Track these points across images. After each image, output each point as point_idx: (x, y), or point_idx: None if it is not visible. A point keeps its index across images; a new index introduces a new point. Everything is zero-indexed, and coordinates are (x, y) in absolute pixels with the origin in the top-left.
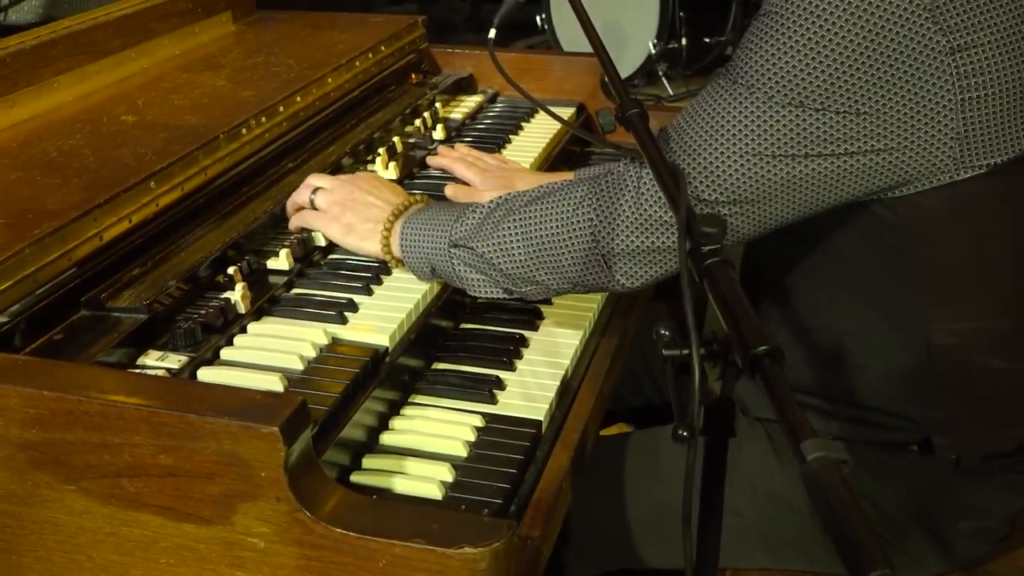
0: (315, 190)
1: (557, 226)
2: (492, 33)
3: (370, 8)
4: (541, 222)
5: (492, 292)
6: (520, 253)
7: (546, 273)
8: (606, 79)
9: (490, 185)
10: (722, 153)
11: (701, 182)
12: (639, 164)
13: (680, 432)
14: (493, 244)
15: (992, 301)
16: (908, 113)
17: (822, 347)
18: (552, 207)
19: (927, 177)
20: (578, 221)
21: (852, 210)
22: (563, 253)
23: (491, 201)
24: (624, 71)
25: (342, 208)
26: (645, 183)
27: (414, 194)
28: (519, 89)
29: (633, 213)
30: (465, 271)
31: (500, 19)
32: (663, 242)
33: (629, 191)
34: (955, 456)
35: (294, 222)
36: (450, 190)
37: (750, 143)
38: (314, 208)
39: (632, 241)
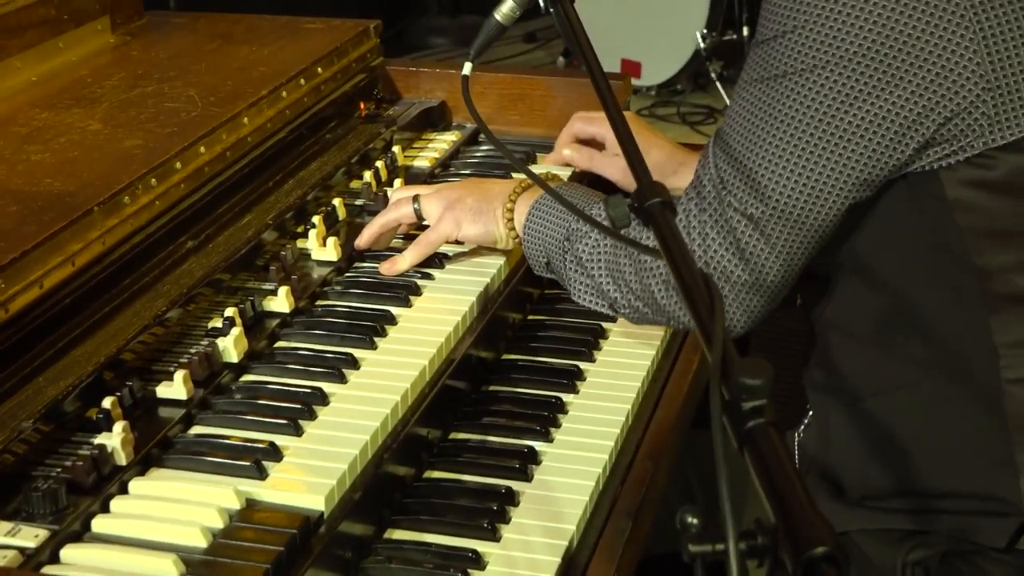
0: (415, 199)
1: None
2: (467, 68)
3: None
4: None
5: (597, 304)
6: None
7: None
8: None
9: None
10: (774, 151)
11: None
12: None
13: None
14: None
15: None
16: (933, 61)
17: (885, 420)
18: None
19: (962, 135)
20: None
21: (905, 228)
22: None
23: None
24: (664, 71)
25: (458, 199)
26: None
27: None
28: (497, 144)
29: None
30: (575, 273)
31: (478, 50)
32: None
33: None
34: None
35: (409, 259)
36: (569, 151)
37: (792, 127)
38: (420, 220)
39: None
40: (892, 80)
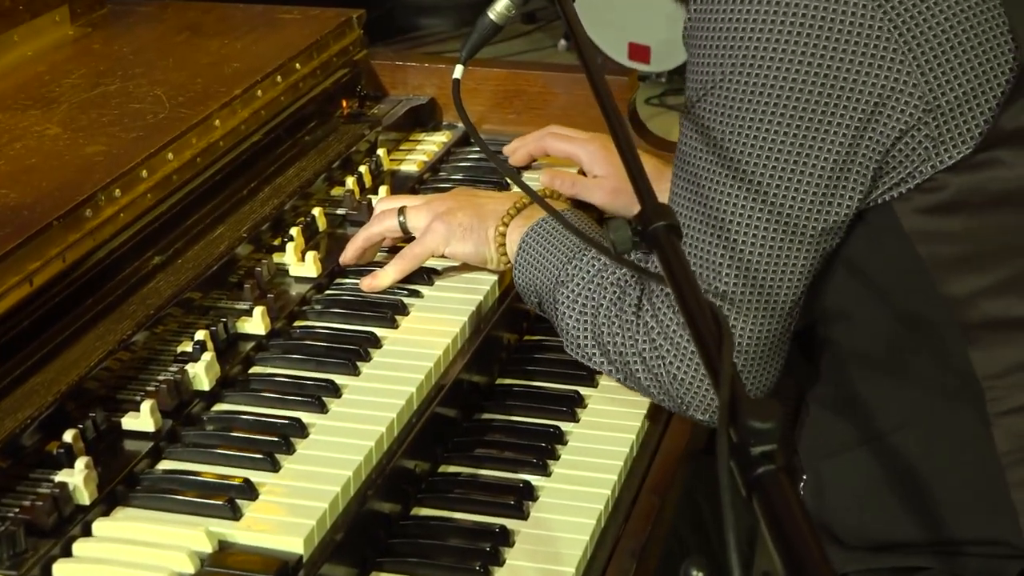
0: (400, 211)
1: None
2: (458, 71)
3: None
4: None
5: (591, 365)
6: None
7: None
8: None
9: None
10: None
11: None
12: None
13: None
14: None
15: None
16: (870, 89)
17: (881, 469)
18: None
19: (908, 160)
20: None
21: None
22: None
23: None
24: (676, 57)
25: (448, 212)
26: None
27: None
28: (495, 159)
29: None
30: (565, 325)
31: (470, 51)
32: None
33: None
34: None
35: (392, 274)
36: (547, 177)
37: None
38: (405, 233)
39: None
40: (832, 114)
